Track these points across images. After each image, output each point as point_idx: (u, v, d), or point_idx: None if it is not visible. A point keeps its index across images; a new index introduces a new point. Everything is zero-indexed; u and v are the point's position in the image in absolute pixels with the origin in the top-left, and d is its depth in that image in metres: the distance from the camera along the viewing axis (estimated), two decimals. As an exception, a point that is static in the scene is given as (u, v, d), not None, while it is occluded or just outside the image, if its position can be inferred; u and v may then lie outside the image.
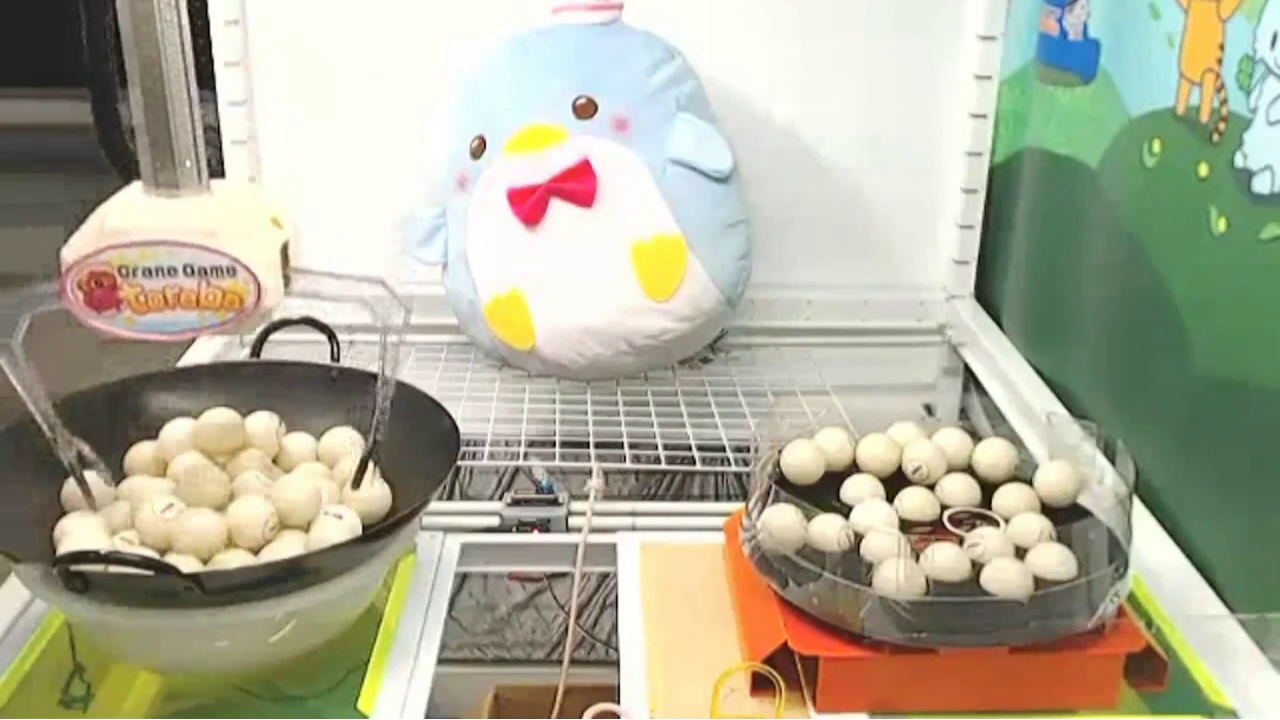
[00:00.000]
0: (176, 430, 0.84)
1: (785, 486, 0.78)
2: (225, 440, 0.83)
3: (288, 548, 0.73)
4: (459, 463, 0.82)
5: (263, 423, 0.85)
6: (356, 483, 0.77)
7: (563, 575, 1.11)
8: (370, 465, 0.77)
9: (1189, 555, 0.84)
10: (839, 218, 1.31)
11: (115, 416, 0.85)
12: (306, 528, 0.75)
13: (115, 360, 0.87)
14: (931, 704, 0.69)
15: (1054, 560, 0.69)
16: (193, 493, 0.76)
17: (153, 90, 0.67)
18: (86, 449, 0.76)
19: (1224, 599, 0.80)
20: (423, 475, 0.78)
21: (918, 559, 0.70)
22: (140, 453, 0.83)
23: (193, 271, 0.67)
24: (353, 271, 0.74)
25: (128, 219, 0.68)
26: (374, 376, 0.87)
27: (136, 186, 0.70)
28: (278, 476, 0.80)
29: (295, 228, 0.74)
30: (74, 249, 0.67)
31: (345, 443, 0.85)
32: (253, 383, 0.89)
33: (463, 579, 1.30)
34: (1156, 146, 0.91)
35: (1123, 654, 0.70)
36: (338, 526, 0.74)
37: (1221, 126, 0.81)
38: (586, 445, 1.05)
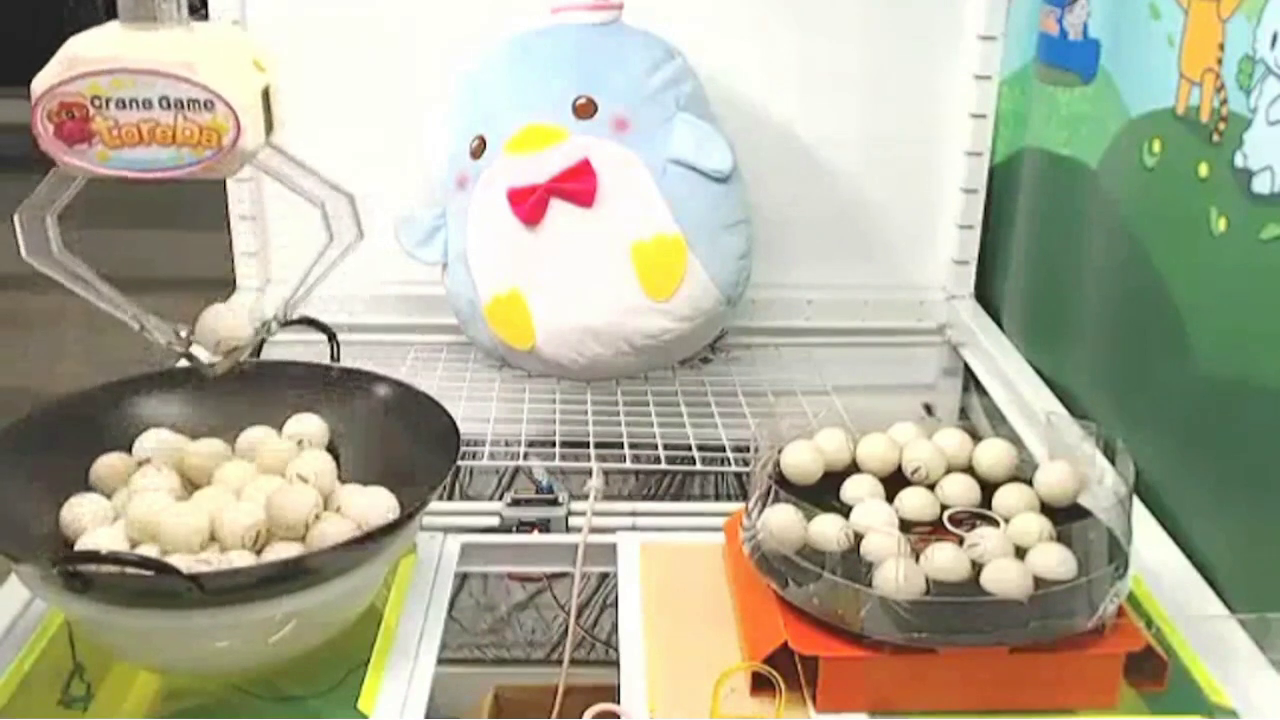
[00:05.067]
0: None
1: (785, 486, 0.78)
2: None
3: (287, 548, 0.73)
4: (459, 463, 0.82)
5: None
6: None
7: (563, 575, 1.11)
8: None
9: (1189, 555, 0.84)
10: (839, 217, 1.31)
11: (121, 414, 0.85)
12: (305, 531, 0.75)
13: (115, 360, 0.87)
14: (931, 704, 0.69)
15: (1054, 560, 0.69)
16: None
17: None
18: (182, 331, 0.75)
19: (1224, 599, 0.80)
20: (423, 475, 0.78)
21: (918, 559, 0.69)
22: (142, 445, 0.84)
23: (169, 104, 0.65)
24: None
25: (101, 49, 0.65)
26: (374, 376, 0.88)
27: (110, 24, 0.68)
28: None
29: (277, 74, 0.71)
30: (43, 79, 0.65)
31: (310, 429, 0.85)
32: (253, 383, 0.89)
33: (463, 579, 1.29)
34: (1156, 146, 0.91)
35: (1123, 654, 0.70)
36: (337, 527, 0.75)
37: (1221, 126, 0.81)
38: (586, 445, 1.04)
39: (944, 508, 0.77)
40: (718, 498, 1.29)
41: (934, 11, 1.24)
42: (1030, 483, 0.79)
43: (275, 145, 0.72)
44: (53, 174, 0.70)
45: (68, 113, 0.65)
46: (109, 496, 0.78)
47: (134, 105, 0.65)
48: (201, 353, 0.79)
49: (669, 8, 1.19)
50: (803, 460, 0.80)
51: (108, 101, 0.65)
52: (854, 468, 0.82)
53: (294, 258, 1.30)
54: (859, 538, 0.71)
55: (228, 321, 0.80)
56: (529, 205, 1.05)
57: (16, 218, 0.71)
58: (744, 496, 0.80)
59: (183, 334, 0.78)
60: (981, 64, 1.24)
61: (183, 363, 0.82)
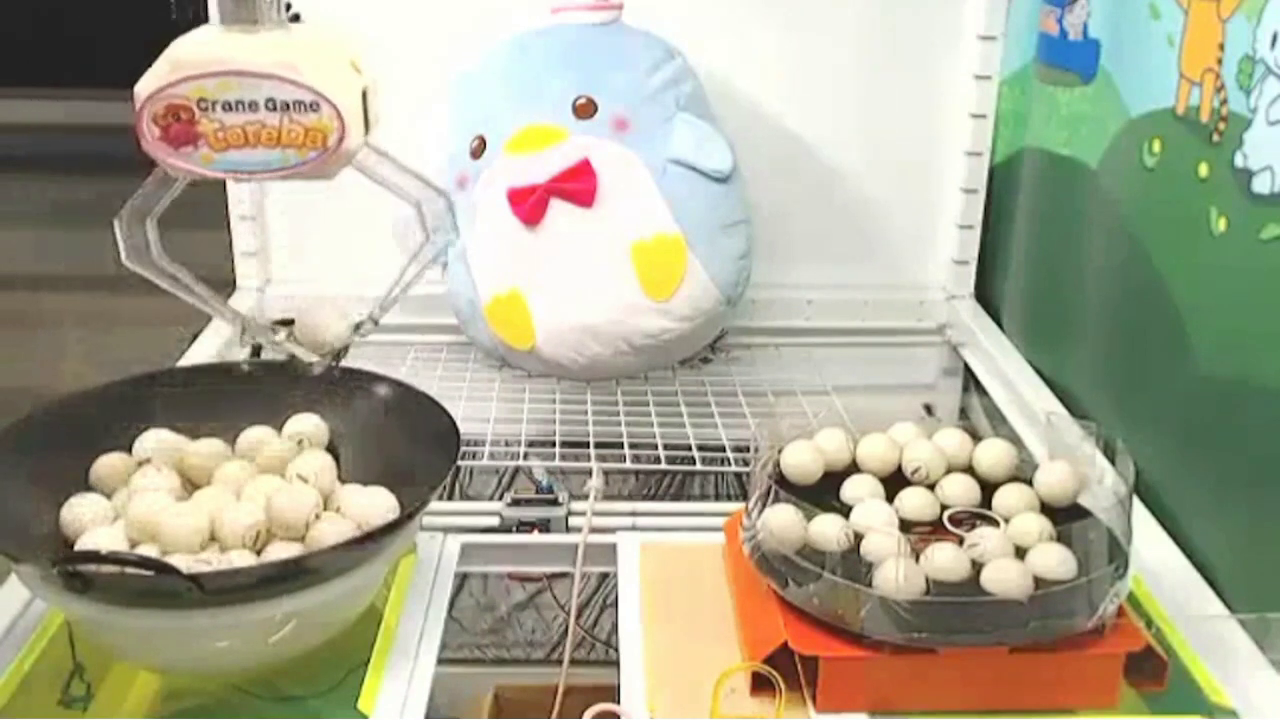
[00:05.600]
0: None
1: (785, 486, 0.78)
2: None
3: (287, 548, 0.73)
4: (459, 463, 0.82)
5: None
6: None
7: (563, 575, 1.11)
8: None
9: (1189, 555, 0.84)
10: (839, 217, 1.31)
11: (121, 414, 0.85)
12: (305, 531, 0.75)
13: (116, 360, 0.87)
14: (931, 704, 0.69)
15: (1054, 560, 0.69)
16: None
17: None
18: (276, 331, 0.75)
19: (1224, 599, 0.80)
20: (423, 475, 0.78)
21: (918, 559, 0.69)
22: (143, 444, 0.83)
23: (275, 106, 0.65)
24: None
25: (205, 51, 0.65)
26: (374, 376, 0.88)
27: (209, 26, 0.68)
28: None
29: (373, 77, 0.72)
30: (148, 82, 0.65)
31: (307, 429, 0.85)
32: (253, 383, 0.89)
33: (463, 579, 1.29)
34: (1156, 146, 0.91)
35: (1123, 654, 0.70)
36: (337, 527, 0.75)
37: (1221, 126, 0.81)
38: (586, 445, 1.04)
39: (944, 508, 0.77)
40: (718, 498, 1.29)
41: (934, 11, 1.24)
42: (1030, 483, 0.79)
43: (372, 145, 0.72)
44: (152, 178, 0.70)
45: (174, 115, 0.65)
46: (109, 496, 0.78)
47: (240, 107, 0.66)
48: (300, 351, 0.79)
49: (669, 8, 1.19)
50: (803, 460, 0.80)
51: (214, 104, 0.65)
52: (854, 468, 0.82)
53: (294, 257, 1.31)
54: (859, 538, 0.71)
55: (326, 322, 0.81)
56: (529, 205, 1.05)
57: (116, 223, 0.71)
58: (744, 496, 0.80)
59: (279, 335, 0.78)
60: (981, 64, 1.24)
61: (183, 362, 0.82)
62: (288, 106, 0.65)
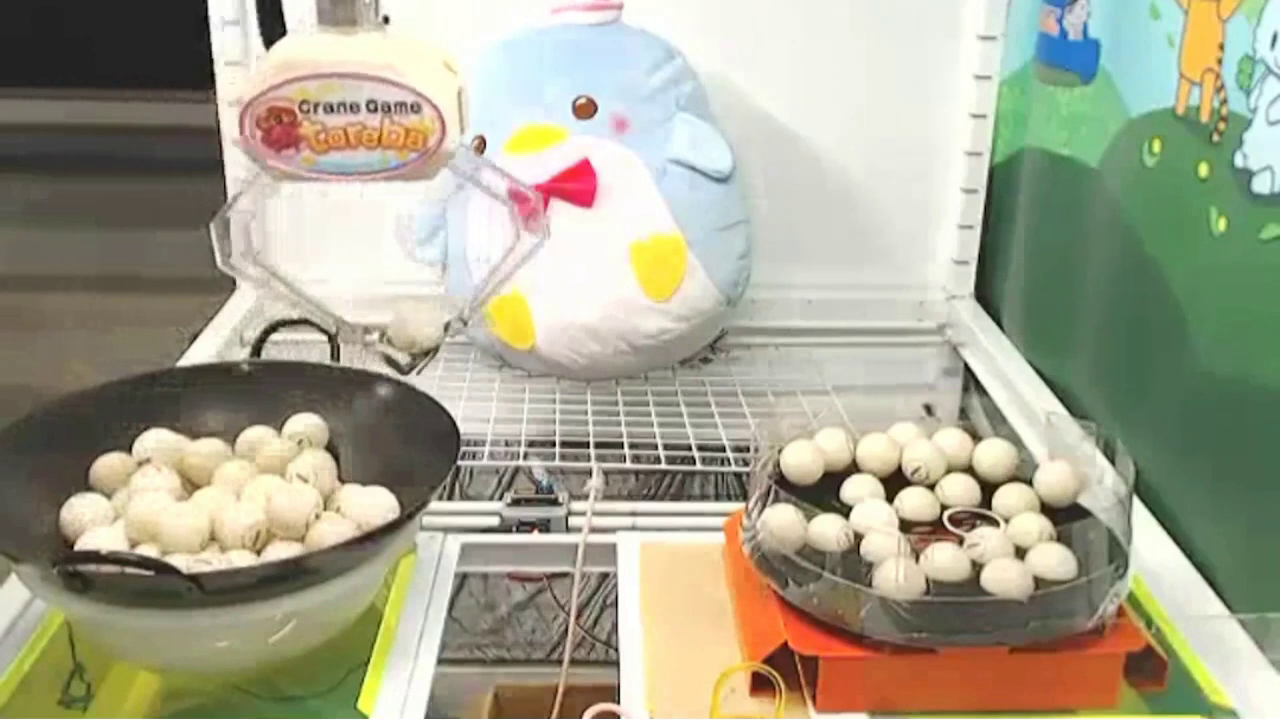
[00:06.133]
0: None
1: (785, 486, 0.78)
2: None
3: (287, 548, 0.73)
4: (459, 463, 0.82)
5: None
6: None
7: (563, 575, 1.11)
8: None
9: (1189, 555, 0.84)
10: (839, 217, 1.31)
11: (121, 414, 0.85)
12: (305, 531, 0.75)
13: (118, 360, 0.87)
14: (931, 704, 0.69)
15: (1054, 560, 0.69)
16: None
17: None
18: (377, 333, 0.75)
19: (1224, 599, 0.80)
20: (423, 475, 0.78)
21: (918, 559, 0.69)
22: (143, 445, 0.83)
23: (376, 107, 0.65)
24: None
25: (306, 53, 0.65)
26: (374, 376, 0.88)
27: (305, 29, 0.68)
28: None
29: (464, 78, 0.72)
30: (252, 84, 0.65)
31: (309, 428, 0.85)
32: (253, 383, 0.89)
33: (463, 579, 1.29)
34: (1156, 146, 0.91)
35: (1123, 654, 0.70)
36: (337, 527, 0.75)
37: (1221, 126, 0.81)
38: (586, 445, 1.04)
39: (944, 508, 0.77)
40: (718, 498, 1.29)
41: (934, 11, 1.24)
42: (1030, 483, 0.79)
43: (465, 145, 0.72)
44: (247, 182, 0.70)
45: (276, 118, 0.66)
46: (109, 496, 0.78)
47: (341, 109, 0.66)
48: (394, 352, 0.80)
49: (669, 8, 1.19)
50: (803, 460, 0.80)
51: (316, 106, 0.65)
52: (854, 468, 0.82)
53: (293, 257, 1.31)
54: (859, 538, 0.71)
55: (420, 322, 0.81)
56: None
57: (212, 226, 0.72)
58: (744, 496, 0.80)
59: (373, 335, 0.79)
60: (981, 64, 1.24)
61: (183, 362, 0.82)
62: (389, 108, 0.66)
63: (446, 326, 0.85)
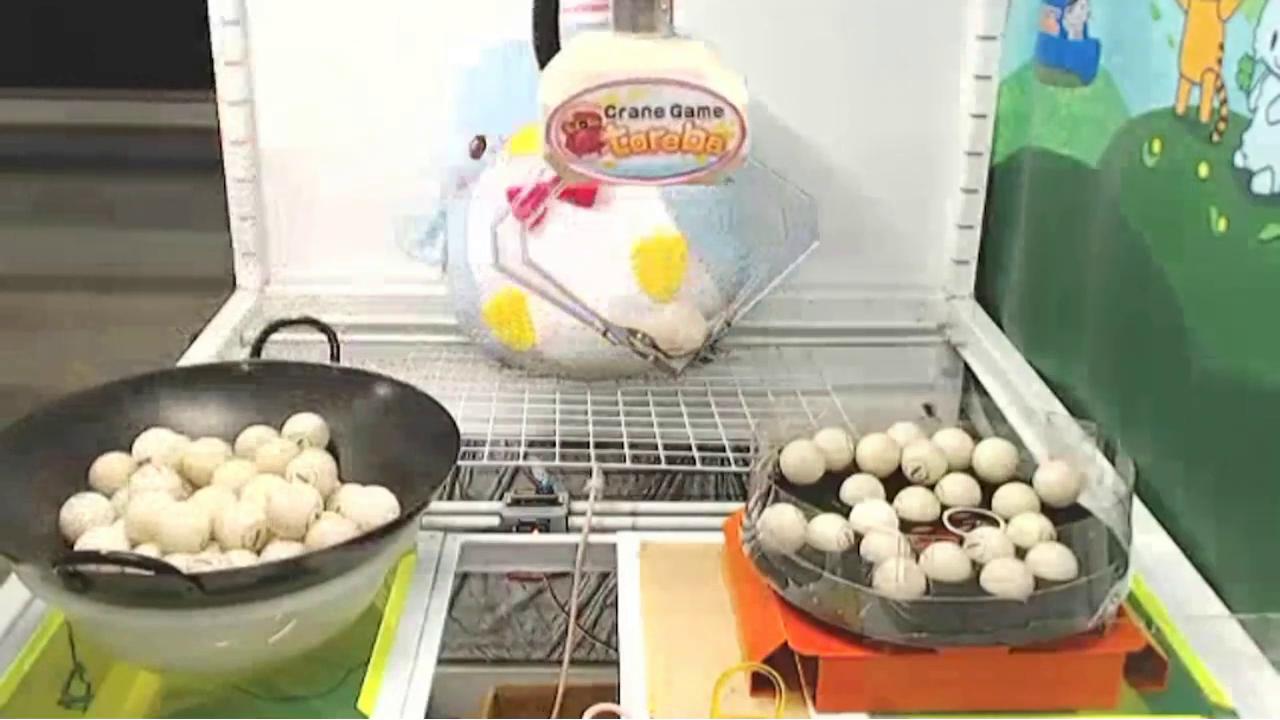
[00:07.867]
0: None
1: (785, 486, 0.78)
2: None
3: (287, 548, 0.73)
4: (459, 463, 0.82)
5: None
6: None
7: (563, 575, 1.11)
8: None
9: (1189, 555, 0.84)
10: (839, 218, 1.30)
11: (121, 414, 0.85)
12: (305, 531, 0.75)
13: (119, 360, 0.87)
14: (931, 704, 0.69)
15: (1054, 560, 0.69)
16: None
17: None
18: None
19: (1224, 599, 0.80)
20: (423, 475, 0.78)
21: (918, 559, 0.70)
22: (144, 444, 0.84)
23: (679, 112, 0.66)
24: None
25: (610, 60, 0.66)
26: (374, 376, 0.88)
27: (596, 35, 0.69)
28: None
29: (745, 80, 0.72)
30: (559, 91, 0.66)
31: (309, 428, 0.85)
32: (252, 383, 0.89)
33: (463, 579, 1.30)
34: (1156, 146, 0.91)
35: (1123, 654, 0.70)
36: (337, 527, 0.75)
37: (1221, 126, 0.81)
38: (586, 445, 1.04)
39: (944, 508, 0.77)
40: (718, 498, 1.29)
41: (934, 11, 1.24)
42: (1030, 483, 0.79)
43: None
44: (526, 182, 0.70)
45: (581, 122, 0.66)
46: (109, 496, 0.78)
47: (646, 114, 0.66)
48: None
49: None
50: (803, 460, 0.80)
51: (621, 111, 0.66)
52: (854, 468, 0.82)
53: (294, 257, 1.31)
54: (859, 538, 0.71)
55: (684, 323, 0.82)
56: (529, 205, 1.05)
57: (490, 229, 0.72)
58: (744, 496, 0.80)
59: (638, 336, 0.79)
60: (981, 64, 1.24)
61: (183, 362, 0.82)
62: (691, 112, 0.66)
63: (714, 328, 0.87)
